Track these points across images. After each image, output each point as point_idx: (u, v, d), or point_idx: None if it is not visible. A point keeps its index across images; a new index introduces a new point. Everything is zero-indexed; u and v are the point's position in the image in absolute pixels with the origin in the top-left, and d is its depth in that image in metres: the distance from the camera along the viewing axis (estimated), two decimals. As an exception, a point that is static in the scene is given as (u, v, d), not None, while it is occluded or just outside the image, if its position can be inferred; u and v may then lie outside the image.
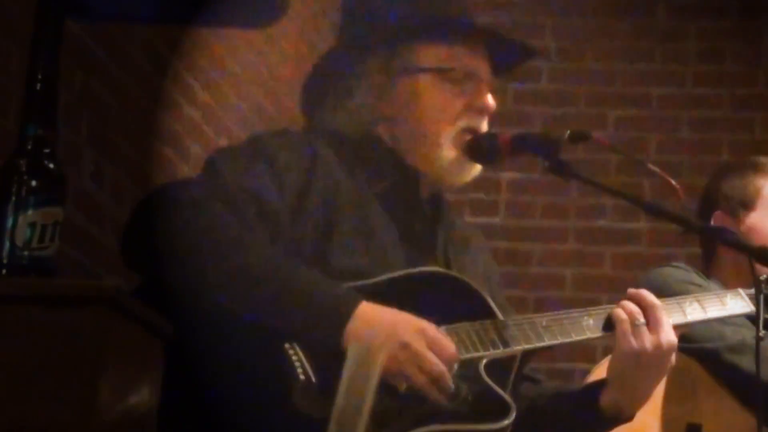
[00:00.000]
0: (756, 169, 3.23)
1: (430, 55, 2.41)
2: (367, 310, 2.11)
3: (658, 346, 2.38)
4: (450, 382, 2.13)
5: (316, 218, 2.25)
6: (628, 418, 2.44)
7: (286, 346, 2.08)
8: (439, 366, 2.11)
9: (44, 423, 1.63)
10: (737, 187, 3.20)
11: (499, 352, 2.26)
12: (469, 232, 2.57)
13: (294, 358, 2.07)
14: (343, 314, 2.09)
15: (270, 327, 2.07)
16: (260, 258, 2.12)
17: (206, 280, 2.08)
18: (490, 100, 2.41)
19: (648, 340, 2.38)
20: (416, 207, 2.41)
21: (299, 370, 2.07)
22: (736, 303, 2.70)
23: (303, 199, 2.25)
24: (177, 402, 1.99)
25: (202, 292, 2.08)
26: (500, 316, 2.31)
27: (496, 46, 2.46)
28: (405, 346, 2.09)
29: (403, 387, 2.11)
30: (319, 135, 2.40)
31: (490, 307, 2.31)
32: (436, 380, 2.11)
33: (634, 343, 2.38)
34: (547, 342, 2.33)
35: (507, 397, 2.22)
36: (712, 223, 3.19)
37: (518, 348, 2.29)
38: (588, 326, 2.40)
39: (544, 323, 2.35)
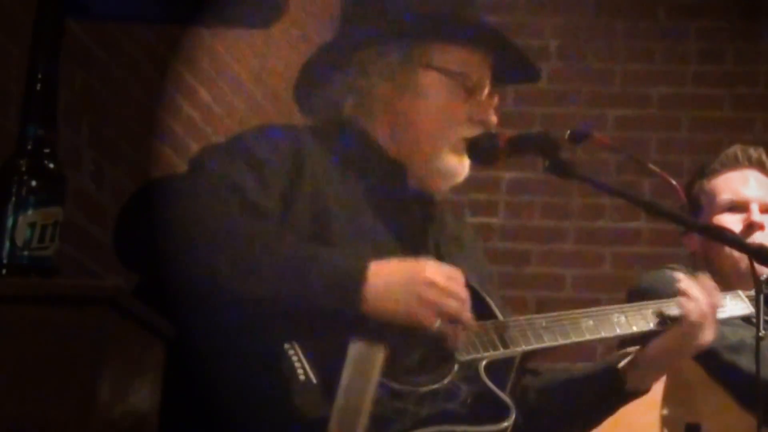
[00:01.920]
0: (700, 174, 3.28)
1: (448, 56, 2.40)
2: (379, 268, 2.11)
3: (708, 342, 2.47)
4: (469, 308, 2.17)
5: (306, 216, 2.24)
6: (646, 391, 2.49)
7: (286, 346, 2.07)
8: (463, 291, 2.15)
9: (44, 423, 1.63)
10: (689, 195, 3.23)
11: (499, 353, 2.26)
12: (462, 231, 2.56)
13: (294, 358, 2.07)
14: (356, 276, 2.09)
15: (281, 302, 2.07)
16: (260, 235, 2.11)
17: (210, 266, 2.06)
18: (493, 116, 2.40)
19: (710, 336, 2.46)
20: (404, 204, 2.39)
21: (299, 371, 2.06)
22: (736, 305, 2.69)
23: (289, 198, 2.23)
24: (178, 401, 1.99)
25: (207, 280, 2.06)
26: (500, 316, 2.31)
27: (502, 58, 2.45)
28: (431, 284, 2.11)
29: (436, 325, 2.12)
30: (305, 129, 2.39)
31: (489, 308, 2.31)
32: (465, 305, 2.14)
33: (699, 338, 2.45)
34: (546, 343, 2.33)
35: (507, 398, 2.22)
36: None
37: (518, 349, 2.29)
38: (587, 327, 2.40)
39: (543, 324, 2.35)
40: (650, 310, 2.48)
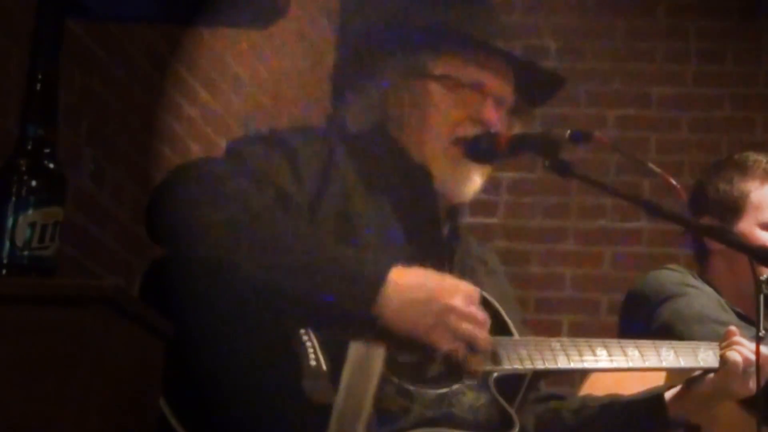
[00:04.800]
0: (741, 170, 3.15)
1: (442, 63, 2.42)
2: (400, 275, 2.12)
3: (753, 390, 2.52)
4: (488, 320, 2.19)
5: (331, 218, 2.26)
6: (688, 422, 2.55)
7: (301, 331, 2.09)
8: (479, 312, 2.17)
9: (44, 423, 1.63)
10: (723, 191, 3.13)
11: (510, 368, 2.27)
12: (487, 256, 2.59)
13: (308, 343, 2.09)
14: (375, 280, 2.10)
15: (299, 295, 2.08)
16: (288, 228, 2.14)
17: (233, 248, 2.08)
18: (492, 114, 2.41)
19: (751, 385, 2.51)
20: (433, 215, 2.42)
21: (311, 355, 2.07)
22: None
23: (320, 195, 2.27)
24: (189, 378, 2.01)
25: (229, 262, 2.08)
26: (516, 333, 2.33)
27: (523, 70, 2.47)
28: (451, 309, 2.13)
29: (445, 347, 2.14)
30: (336, 134, 2.42)
31: (507, 324, 2.33)
32: (482, 328, 2.16)
33: (746, 387, 2.51)
34: (559, 365, 2.34)
35: (512, 412, 2.23)
36: None
37: (529, 367, 2.30)
38: (601, 356, 2.41)
39: (558, 347, 2.35)
40: (663, 349, 2.50)
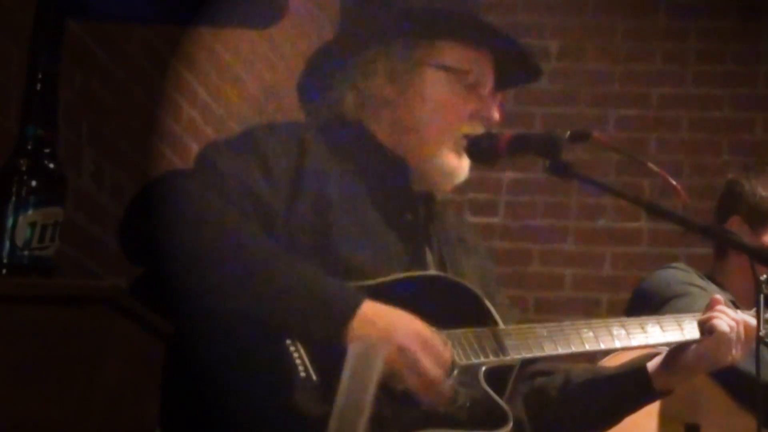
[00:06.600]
0: None
1: (452, 53, 2.39)
2: (370, 310, 2.09)
3: (737, 358, 2.52)
4: (444, 387, 2.13)
5: (310, 213, 2.24)
6: (671, 391, 2.52)
7: (288, 342, 2.07)
8: (434, 371, 2.11)
9: (44, 423, 1.63)
10: (760, 198, 3.15)
11: (498, 360, 2.26)
12: (466, 233, 2.56)
13: (295, 355, 2.07)
14: (345, 312, 2.08)
15: (269, 323, 2.07)
16: (260, 252, 2.11)
17: (204, 274, 2.06)
18: (496, 112, 2.40)
19: (734, 353, 2.50)
20: (408, 202, 2.39)
21: (300, 368, 2.06)
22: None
23: (295, 193, 2.24)
24: (178, 396, 1.99)
25: (200, 287, 2.06)
26: (501, 323, 2.31)
27: (503, 57, 2.45)
28: (401, 349, 2.08)
29: (400, 388, 2.11)
30: (310, 126, 2.39)
31: (491, 314, 2.31)
32: (430, 385, 2.11)
33: (730, 355, 2.50)
34: (546, 352, 2.33)
35: (505, 405, 2.22)
36: (728, 225, 3.16)
37: (517, 357, 2.29)
38: (588, 339, 2.40)
39: (545, 333, 2.34)
40: (649, 325, 2.50)
